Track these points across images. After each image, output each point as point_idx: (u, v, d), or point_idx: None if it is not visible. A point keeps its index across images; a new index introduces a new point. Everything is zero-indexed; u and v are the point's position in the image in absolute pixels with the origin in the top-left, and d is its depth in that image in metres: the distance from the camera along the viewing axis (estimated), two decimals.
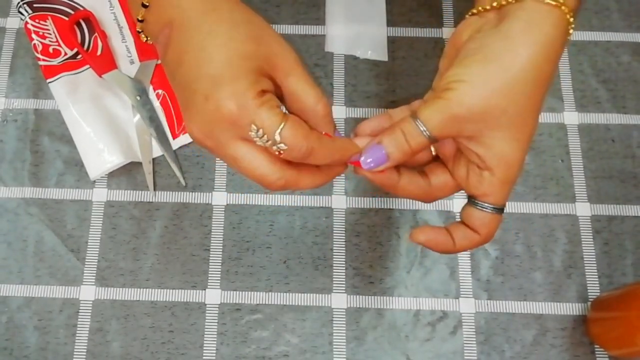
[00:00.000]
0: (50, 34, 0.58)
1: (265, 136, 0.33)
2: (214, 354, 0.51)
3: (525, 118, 0.35)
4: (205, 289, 0.53)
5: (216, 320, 0.52)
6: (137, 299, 0.53)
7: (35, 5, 0.59)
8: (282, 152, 0.34)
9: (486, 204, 0.37)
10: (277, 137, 0.33)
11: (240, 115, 0.33)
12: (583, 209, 0.56)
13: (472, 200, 0.38)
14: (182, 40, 0.35)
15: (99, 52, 0.58)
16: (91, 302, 0.53)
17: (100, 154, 0.55)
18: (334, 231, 0.55)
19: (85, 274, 0.54)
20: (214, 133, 0.34)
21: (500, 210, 0.38)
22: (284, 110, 0.35)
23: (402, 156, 0.36)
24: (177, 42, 0.35)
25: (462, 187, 0.39)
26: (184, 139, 0.57)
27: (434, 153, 0.40)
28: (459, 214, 0.55)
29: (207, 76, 0.33)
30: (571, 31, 0.35)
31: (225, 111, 0.33)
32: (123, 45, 0.59)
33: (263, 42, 0.35)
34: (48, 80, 0.57)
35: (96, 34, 0.59)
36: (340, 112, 0.59)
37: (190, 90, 0.34)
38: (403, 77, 0.60)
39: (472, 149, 0.36)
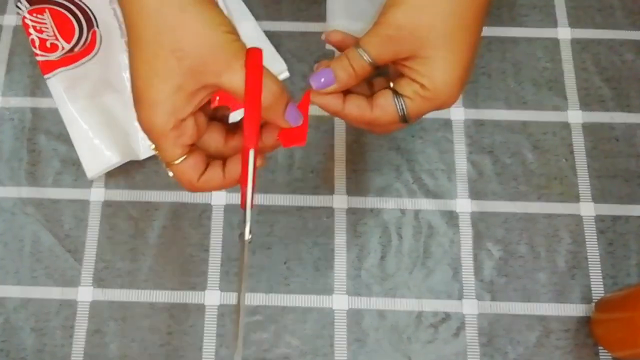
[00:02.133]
0: (48, 28, 0.58)
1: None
2: (213, 356, 0.51)
3: (456, 37, 0.38)
4: (204, 290, 0.53)
5: (215, 322, 0.52)
6: (135, 300, 0.52)
7: None
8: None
9: (402, 99, 0.40)
10: (167, 169, 0.38)
11: (148, 133, 0.38)
12: (587, 209, 0.55)
13: (394, 89, 0.40)
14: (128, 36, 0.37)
15: (96, 47, 0.58)
16: (89, 304, 0.52)
17: (98, 153, 0.55)
18: (335, 231, 0.54)
19: (82, 275, 0.53)
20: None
21: (405, 120, 0.40)
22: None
23: (347, 78, 0.40)
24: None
25: (394, 87, 0.41)
26: None
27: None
28: (460, 214, 0.55)
29: (134, 89, 0.37)
30: None
31: (142, 124, 0.37)
32: (122, 41, 0.59)
33: (187, 51, 0.35)
34: (45, 76, 0.57)
35: (94, 28, 0.58)
36: None
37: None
38: None
39: (409, 66, 0.39)
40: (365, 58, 0.39)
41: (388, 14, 0.38)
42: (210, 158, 0.40)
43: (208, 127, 0.39)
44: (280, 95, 0.37)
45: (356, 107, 0.40)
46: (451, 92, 0.39)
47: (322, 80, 0.40)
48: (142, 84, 0.36)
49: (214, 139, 0.40)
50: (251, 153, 0.37)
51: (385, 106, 0.40)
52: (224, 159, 0.40)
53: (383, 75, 0.43)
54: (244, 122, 0.37)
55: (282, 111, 0.38)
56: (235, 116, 0.42)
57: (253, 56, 0.36)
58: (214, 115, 0.41)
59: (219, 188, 0.40)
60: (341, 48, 0.42)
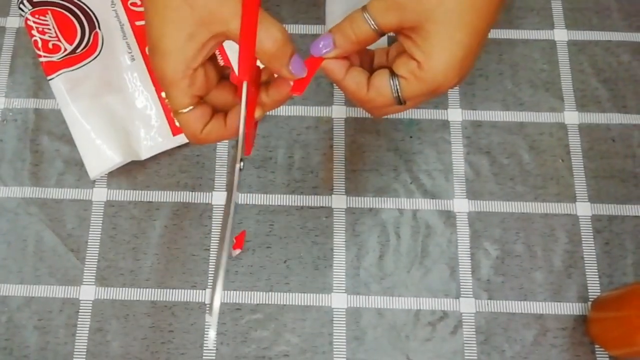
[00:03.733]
0: (50, 29, 0.58)
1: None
2: (214, 354, 0.51)
3: (465, 18, 0.36)
4: (205, 289, 0.53)
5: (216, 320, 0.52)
6: (137, 299, 0.53)
7: (35, 0, 0.59)
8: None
9: (397, 80, 0.39)
10: (175, 117, 0.39)
11: (160, 81, 0.38)
12: (583, 209, 0.56)
13: (391, 69, 0.39)
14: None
15: (98, 48, 0.58)
16: (91, 302, 0.53)
17: (100, 153, 0.55)
18: (334, 231, 0.55)
19: (85, 274, 0.54)
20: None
21: (401, 102, 0.39)
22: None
23: (346, 43, 0.39)
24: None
25: (391, 67, 0.40)
26: (184, 137, 0.57)
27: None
28: (458, 214, 0.55)
29: (149, 41, 0.38)
30: None
31: (155, 73, 0.38)
32: (124, 42, 0.59)
33: (198, 1, 0.36)
34: (48, 78, 0.57)
35: (96, 29, 0.59)
36: (340, 112, 0.59)
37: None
38: None
39: (413, 38, 0.37)
40: (370, 23, 0.38)
41: None
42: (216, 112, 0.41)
43: (217, 84, 0.40)
44: (283, 43, 0.37)
45: (354, 82, 0.40)
46: (448, 74, 0.37)
47: (321, 45, 0.39)
48: (156, 33, 0.37)
49: (222, 96, 0.40)
50: (244, 85, 0.38)
51: (380, 87, 0.39)
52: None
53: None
54: (238, 56, 0.37)
55: (286, 61, 0.38)
56: None
57: None
58: (223, 73, 0.41)
59: (220, 139, 0.41)
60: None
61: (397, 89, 0.39)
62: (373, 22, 0.38)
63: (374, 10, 0.38)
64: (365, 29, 0.38)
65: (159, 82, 0.39)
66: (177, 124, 0.40)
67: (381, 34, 0.38)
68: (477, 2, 0.37)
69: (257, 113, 0.41)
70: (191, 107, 0.39)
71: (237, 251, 0.54)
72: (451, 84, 0.38)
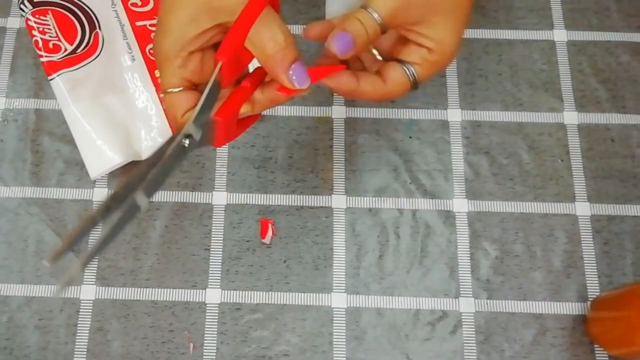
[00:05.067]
0: (50, 29, 0.58)
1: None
2: (214, 354, 0.52)
3: (461, 5, 0.40)
4: (205, 289, 0.53)
5: (216, 320, 0.52)
6: (138, 299, 0.53)
7: (35, 0, 0.59)
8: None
9: (410, 67, 0.41)
10: (162, 94, 0.40)
11: (155, 57, 0.40)
12: (583, 209, 0.56)
13: (399, 59, 0.41)
14: None
15: (98, 48, 0.59)
16: (91, 302, 0.53)
17: (100, 154, 0.55)
18: (334, 231, 0.55)
19: (85, 274, 0.54)
20: None
21: (416, 85, 0.41)
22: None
23: (363, 42, 0.39)
24: None
25: (399, 57, 0.41)
26: None
27: (379, 58, 0.43)
28: (457, 214, 0.56)
29: (158, 21, 0.40)
30: None
31: (154, 49, 0.40)
32: (124, 43, 0.59)
33: None
34: (49, 78, 0.57)
35: (97, 29, 0.59)
36: (340, 112, 0.59)
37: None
38: None
39: (417, 30, 0.39)
40: (378, 21, 0.39)
41: None
42: None
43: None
44: (285, 47, 0.37)
45: (370, 84, 0.41)
46: (455, 51, 0.41)
47: (340, 48, 0.39)
48: (164, 13, 0.38)
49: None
50: (218, 65, 0.37)
51: (397, 78, 0.41)
52: None
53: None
54: (225, 36, 0.38)
55: (285, 66, 0.38)
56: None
57: None
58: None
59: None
60: (324, 39, 0.41)
61: (413, 75, 0.41)
62: (380, 20, 0.39)
63: (380, 8, 0.38)
64: (374, 27, 0.39)
65: (155, 58, 0.40)
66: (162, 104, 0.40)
67: (385, 31, 0.39)
68: None
69: (245, 108, 0.40)
70: (180, 89, 0.39)
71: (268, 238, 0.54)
72: (455, 56, 0.41)
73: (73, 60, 0.58)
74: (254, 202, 0.56)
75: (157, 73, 0.39)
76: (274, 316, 0.53)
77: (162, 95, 0.40)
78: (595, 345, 0.52)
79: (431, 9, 0.39)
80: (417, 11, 0.39)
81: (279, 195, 0.56)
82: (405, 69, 0.41)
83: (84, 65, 0.58)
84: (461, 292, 0.53)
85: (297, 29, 0.61)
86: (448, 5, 0.39)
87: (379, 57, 0.44)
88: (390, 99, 0.44)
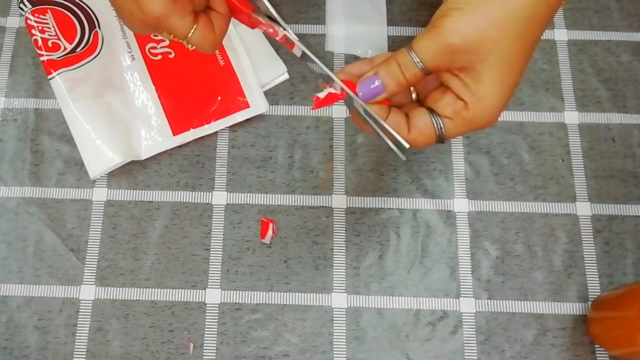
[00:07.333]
0: (50, 28, 0.58)
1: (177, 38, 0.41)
2: (214, 354, 0.51)
3: (515, 59, 0.35)
4: (205, 289, 0.53)
5: (216, 320, 0.52)
6: (137, 299, 0.53)
7: None
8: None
9: (440, 119, 0.37)
10: (186, 42, 0.41)
11: (156, 24, 0.40)
12: (583, 209, 0.56)
13: (431, 109, 0.38)
14: None
15: (97, 48, 0.58)
16: (91, 302, 0.53)
17: (100, 153, 0.55)
18: (334, 231, 0.55)
19: (85, 274, 0.54)
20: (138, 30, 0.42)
21: (442, 140, 0.38)
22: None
23: (397, 87, 0.37)
24: None
25: (431, 106, 0.38)
26: (184, 136, 0.57)
27: (414, 96, 0.40)
28: (458, 214, 0.56)
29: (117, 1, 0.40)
30: None
31: (147, 19, 0.39)
32: (124, 42, 0.59)
33: None
34: (49, 77, 0.57)
35: (96, 29, 0.59)
36: (340, 111, 0.59)
37: None
38: None
39: (462, 77, 0.36)
40: (419, 66, 0.36)
41: (453, 17, 0.35)
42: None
43: None
44: None
45: (394, 124, 0.37)
46: (494, 116, 0.36)
47: (367, 92, 0.37)
48: None
49: None
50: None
51: (423, 128, 0.37)
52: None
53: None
54: None
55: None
56: None
57: None
58: None
59: (226, 29, 0.43)
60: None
61: (440, 129, 0.37)
62: (421, 64, 0.36)
63: (424, 52, 0.36)
64: (414, 72, 0.36)
65: (154, 29, 0.40)
66: (190, 48, 0.42)
67: (428, 74, 0.37)
68: (527, 44, 0.36)
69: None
70: (194, 27, 0.40)
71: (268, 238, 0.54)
72: (494, 122, 0.37)
73: (72, 59, 0.58)
74: (254, 202, 0.56)
75: (168, 36, 0.41)
76: (274, 316, 0.53)
77: (189, 46, 0.41)
78: (596, 346, 0.52)
79: (481, 58, 0.35)
80: (465, 57, 0.35)
81: (279, 195, 0.56)
82: (434, 120, 0.37)
83: (83, 65, 0.58)
84: (462, 292, 0.53)
85: (297, 29, 0.61)
86: (498, 57, 0.35)
87: (414, 96, 0.40)
88: (411, 146, 0.38)
